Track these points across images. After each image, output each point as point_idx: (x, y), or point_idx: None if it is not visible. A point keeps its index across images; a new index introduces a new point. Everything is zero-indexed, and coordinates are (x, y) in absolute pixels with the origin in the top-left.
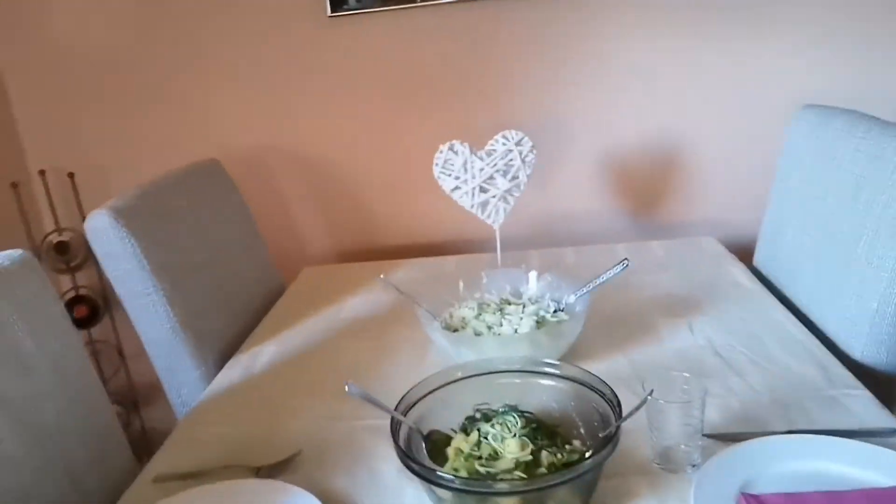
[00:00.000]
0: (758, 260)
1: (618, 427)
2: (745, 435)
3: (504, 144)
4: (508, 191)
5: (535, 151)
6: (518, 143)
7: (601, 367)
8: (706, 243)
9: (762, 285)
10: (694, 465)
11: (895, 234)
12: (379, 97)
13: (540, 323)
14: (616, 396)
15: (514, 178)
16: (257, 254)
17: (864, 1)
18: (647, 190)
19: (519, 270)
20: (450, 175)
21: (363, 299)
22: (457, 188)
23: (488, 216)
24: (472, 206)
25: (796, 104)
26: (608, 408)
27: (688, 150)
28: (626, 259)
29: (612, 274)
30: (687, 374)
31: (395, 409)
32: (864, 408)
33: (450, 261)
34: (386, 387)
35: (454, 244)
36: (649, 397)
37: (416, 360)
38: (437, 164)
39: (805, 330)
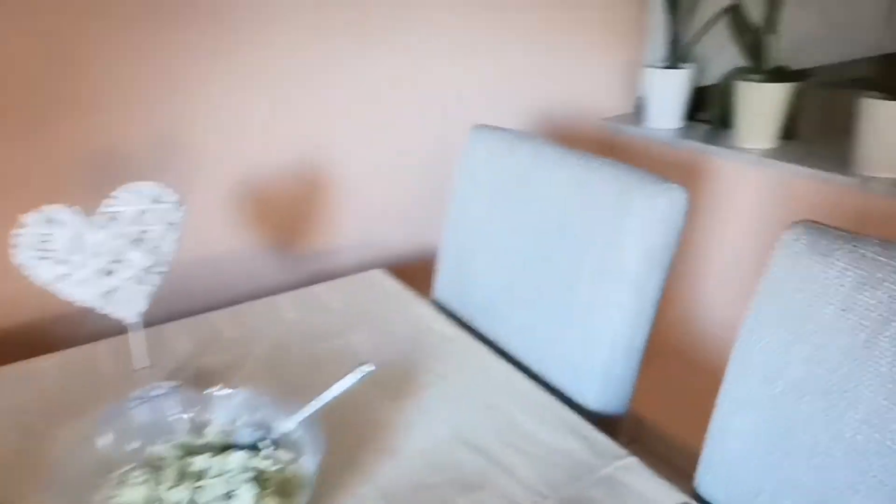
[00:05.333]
0: (440, 295)
1: None
2: None
3: (134, 204)
4: (149, 268)
5: (184, 208)
6: (156, 200)
7: None
8: (376, 278)
9: (465, 331)
10: None
11: (622, 274)
12: None
13: (264, 481)
14: None
15: (156, 248)
16: None
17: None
18: (294, 219)
19: (181, 388)
20: (48, 258)
21: None
22: (65, 276)
23: (120, 308)
24: (93, 299)
25: (465, 123)
26: None
27: (337, 168)
28: (365, 363)
29: (347, 384)
30: None
31: None
32: (643, 480)
33: (48, 365)
34: None
35: (41, 328)
36: None
37: None
38: (23, 246)
39: (538, 387)
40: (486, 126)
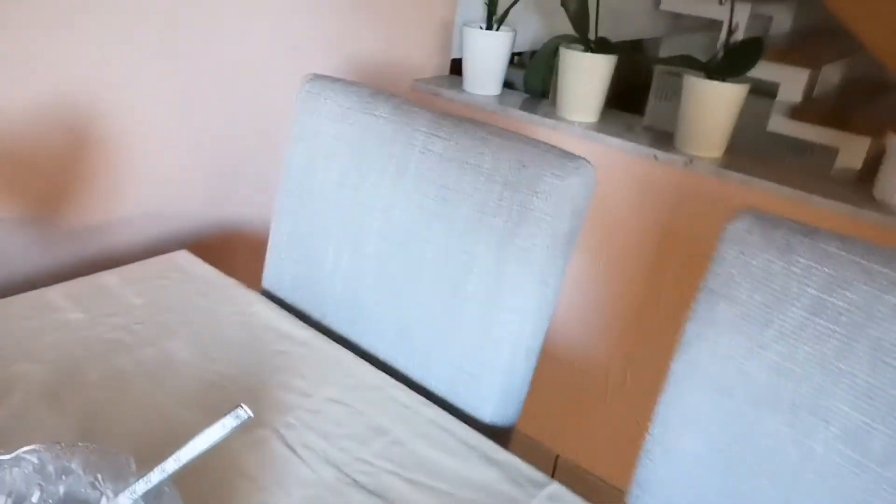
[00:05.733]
0: (272, 284)
1: None
2: None
3: None
4: None
5: None
6: None
7: None
8: (182, 261)
9: (317, 333)
10: None
11: (525, 265)
12: None
13: None
14: None
15: None
16: None
17: None
18: (55, 183)
19: None
20: None
21: None
22: None
23: None
24: None
25: (270, 75)
26: None
27: (115, 119)
28: (239, 406)
29: (213, 439)
30: None
31: None
32: None
33: None
34: None
35: None
36: None
37: None
38: None
39: (425, 402)
40: (327, 77)
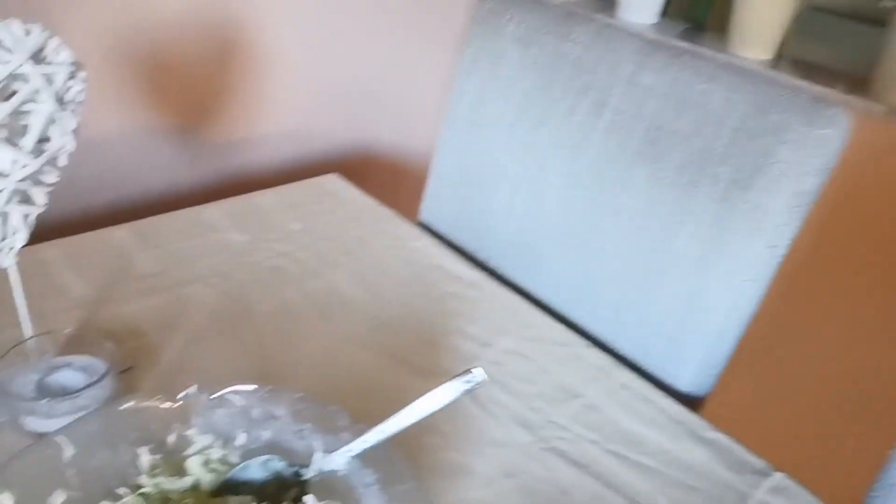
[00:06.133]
0: (431, 217)
1: None
2: None
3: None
4: (35, 175)
5: (83, 77)
6: (41, 59)
7: None
8: (334, 186)
9: (486, 275)
10: None
11: (755, 222)
12: None
13: None
14: None
15: (44, 141)
16: None
17: None
18: (202, 93)
19: (112, 372)
20: None
21: None
22: None
23: None
24: None
25: None
26: None
27: (262, 25)
28: (472, 370)
29: (442, 401)
30: None
31: None
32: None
33: None
34: None
35: None
36: None
37: None
38: None
39: (617, 363)
40: None
